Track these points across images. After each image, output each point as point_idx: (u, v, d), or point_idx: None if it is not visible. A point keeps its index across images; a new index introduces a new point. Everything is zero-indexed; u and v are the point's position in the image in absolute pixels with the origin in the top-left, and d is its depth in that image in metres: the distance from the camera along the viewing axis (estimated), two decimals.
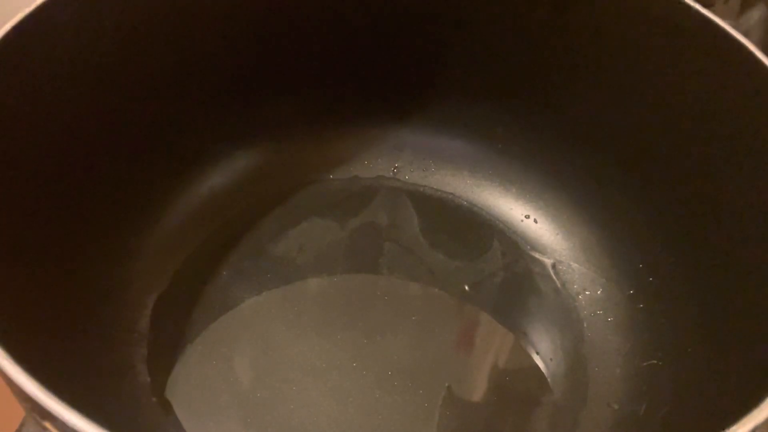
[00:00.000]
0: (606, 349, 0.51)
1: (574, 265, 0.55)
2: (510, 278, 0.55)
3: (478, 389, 0.51)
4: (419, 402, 0.49)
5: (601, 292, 0.54)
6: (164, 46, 0.50)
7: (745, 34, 0.45)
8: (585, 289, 0.54)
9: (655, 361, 0.49)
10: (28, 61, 0.42)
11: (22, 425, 0.43)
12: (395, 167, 0.60)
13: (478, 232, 0.58)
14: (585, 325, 0.53)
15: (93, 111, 0.48)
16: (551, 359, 0.52)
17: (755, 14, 0.58)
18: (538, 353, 0.52)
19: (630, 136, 0.52)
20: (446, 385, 0.50)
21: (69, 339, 0.43)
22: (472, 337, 0.53)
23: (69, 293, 0.45)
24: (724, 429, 0.31)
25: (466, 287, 0.55)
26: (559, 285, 0.55)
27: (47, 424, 0.30)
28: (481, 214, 0.59)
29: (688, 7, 0.46)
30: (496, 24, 0.53)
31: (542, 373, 0.51)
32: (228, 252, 0.55)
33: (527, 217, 0.58)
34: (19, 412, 0.43)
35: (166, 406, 0.47)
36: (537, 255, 0.57)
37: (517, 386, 0.51)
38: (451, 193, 0.59)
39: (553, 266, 0.56)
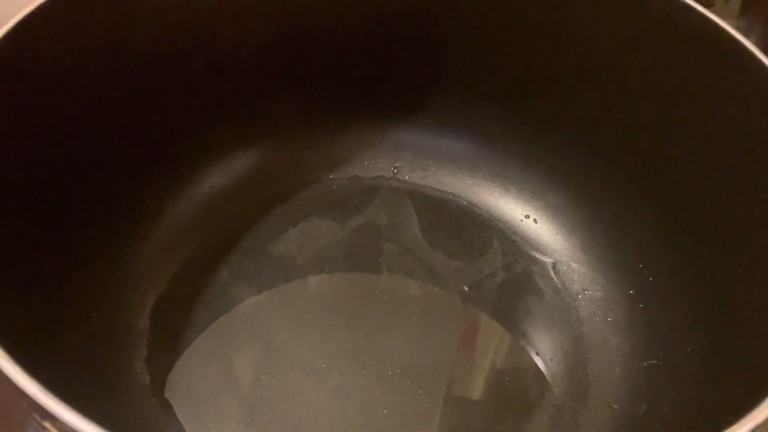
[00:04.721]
0: (606, 349, 0.52)
1: (574, 265, 0.56)
2: (510, 278, 0.55)
3: (478, 389, 0.51)
4: (419, 402, 0.49)
5: (601, 292, 0.54)
6: (164, 46, 0.50)
7: (745, 34, 0.45)
8: (585, 289, 0.54)
9: (655, 361, 0.49)
10: (27, 61, 0.43)
11: (22, 425, 0.44)
12: (395, 167, 0.60)
13: (478, 232, 0.58)
14: (585, 325, 0.53)
15: (93, 111, 0.48)
16: (551, 359, 0.52)
17: (755, 14, 0.59)
18: (538, 353, 0.52)
19: (629, 136, 0.52)
20: (446, 384, 0.50)
21: (69, 339, 0.43)
22: (473, 337, 0.53)
23: (69, 294, 0.45)
24: (724, 429, 0.31)
25: (466, 287, 0.55)
26: (559, 285, 0.55)
27: (47, 424, 0.30)
28: (481, 214, 0.59)
29: (688, 7, 0.46)
30: (495, 24, 0.54)
31: (542, 373, 0.51)
32: (228, 252, 0.55)
33: (527, 217, 0.58)
34: (19, 412, 0.43)
35: (166, 406, 0.47)
36: (537, 255, 0.57)
37: (517, 386, 0.51)
38: (451, 193, 0.60)
39: (553, 266, 0.56)
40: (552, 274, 0.56)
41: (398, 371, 0.50)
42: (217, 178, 0.57)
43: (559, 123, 0.55)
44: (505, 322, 0.54)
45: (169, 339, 0.50)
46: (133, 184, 0.52)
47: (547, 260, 0.56)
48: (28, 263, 0.42)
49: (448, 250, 0.57)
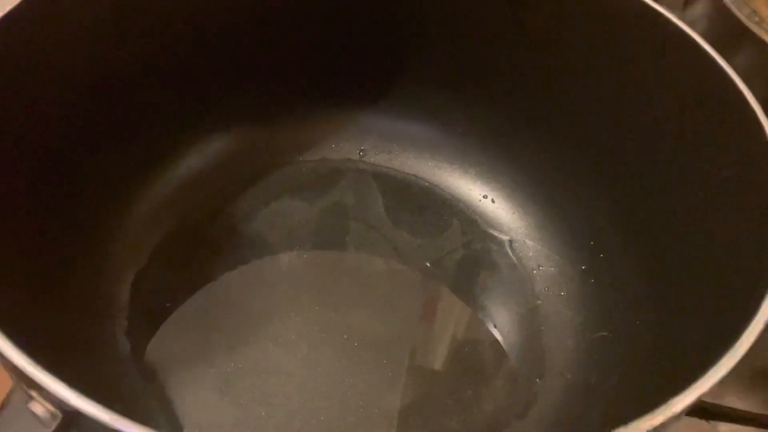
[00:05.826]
0: (560, 321, 0.53)
1: (530, 243, 0.57)
2: (469, 255, 0.57)
3: (439, 359, 0.52)
4: (384, 371, 0.50)
5: (555, 267, 0.55)
6: (140, 34, 0.51)
7: (691, 26, 0.46)
8: (540, 265, 0.56)
9: (605, 333, 0.50)
10: (4, 50, 0.43)
11: (10, 393, 0.44)
12: (361, 150, 0.61)
13: (439, 211, 0.59)
14: (540, 299, 0.54)
15: (72, 96, 0.48)
16: (508, 331, 0.53)
17: (699, 8, 0.59)
18: (495, 325, 0.53)
19: (580, 121, 0.53)
20: (409, 355, 0.51)
21: (53, 312, 0.43)
22: (434, 310, 0.54)
23: (51, 269, 0.46)
24: (670, 397, 0.32)
25: (428, 263, 0.56)
26: (515, 261, 0.56)
27: (34, 393, 0.31)
28: (442, 195, 0.60)
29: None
30: (457, 15, 0.54)
31: (500, 343, 0.52)
32: (203, 230, 0.55)
33: (485, 197, 0.59)
34: (7, 381, 0.44)
35: (146, 376, 0.48)
36: (494, 233, 0.58)
37: (477, 356, 0.52)
38: (414, 175, 0.61)
39: (510, 243, 0.57)
40: (509, 251, 0.57)
41: (364, 342, 0.51)
42: (194, 159, 0.57)
43: (515, 109, 0.56)
44: (464, 296, 0.55)
45: (149, 312, 0.51)
46: (113, 164, 0.52)
47: (504, 238, 0.57)
48: (9, 239, 0.42)
49: (411, 229, 0.58)
